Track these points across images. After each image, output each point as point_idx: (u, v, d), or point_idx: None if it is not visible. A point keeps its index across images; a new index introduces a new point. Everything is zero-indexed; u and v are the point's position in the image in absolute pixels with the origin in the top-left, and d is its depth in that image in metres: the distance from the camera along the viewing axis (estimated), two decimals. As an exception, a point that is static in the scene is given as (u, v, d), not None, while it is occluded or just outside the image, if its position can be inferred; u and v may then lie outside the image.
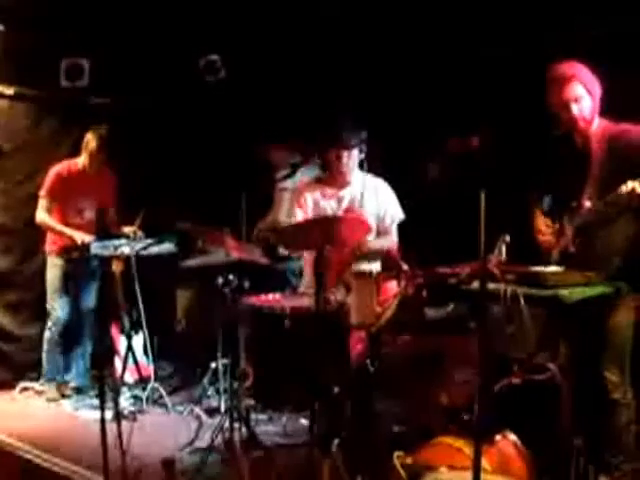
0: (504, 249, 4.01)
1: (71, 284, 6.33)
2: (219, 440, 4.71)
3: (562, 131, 4.01)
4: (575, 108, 3.90)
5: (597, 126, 3.97)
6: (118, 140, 6.27)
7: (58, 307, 6.31)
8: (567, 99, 3.91)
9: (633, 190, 3.51)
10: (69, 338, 6.40)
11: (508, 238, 4.02)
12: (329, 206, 5.15)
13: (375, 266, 4.82)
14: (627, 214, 3.78)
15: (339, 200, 5.15)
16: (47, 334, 6.37)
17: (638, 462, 3.95)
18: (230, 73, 6.89)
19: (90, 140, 6.20)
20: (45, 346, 6.38)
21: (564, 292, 3.61)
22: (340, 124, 5.06)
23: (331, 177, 5.19)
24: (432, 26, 5.67)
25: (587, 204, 3.86)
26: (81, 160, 6.31)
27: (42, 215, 6.24)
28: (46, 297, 6.40)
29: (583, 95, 3.90)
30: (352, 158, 5.06)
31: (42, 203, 6.24)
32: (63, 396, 6.27)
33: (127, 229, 6.27)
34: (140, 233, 6.20)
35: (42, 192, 6.24)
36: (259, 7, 6.36)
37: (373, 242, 5.08)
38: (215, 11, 6.48)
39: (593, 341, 3.85)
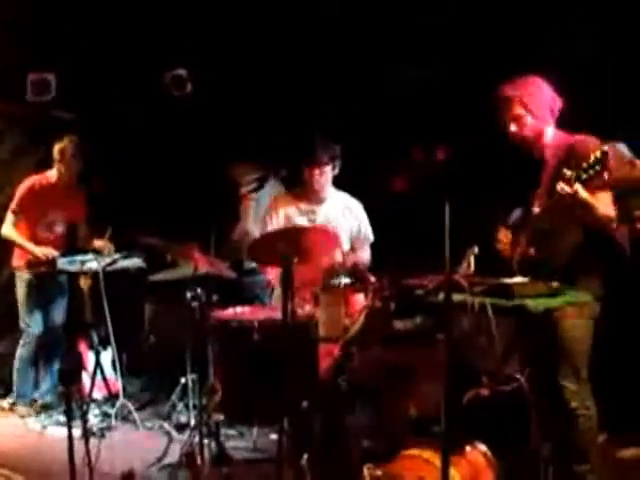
0: (472, 261, 4.04)
1: (42, 299, 6.28)
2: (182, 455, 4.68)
3: (514, 144, 4.13)
4: (513, 126, 4.06)
5: (551, 137, 4.09)
6: (85, 154, 6.23)
7: (32, 323, 6.25)
8: (506, 118, 4.08)
9: (561, 189, 3.62)
10: (39, 354, 6.34)
11: (476, 250, 4.06)
12: (302, 222, 5.15)
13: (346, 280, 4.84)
14: (571, 219, 3.85)
15: (314, 215, 5.16)
16: (20, 351, 6.29)
17: (602, 469, 4.00)
18: (197, 88, 6.87)
19: (65, 148, 6.17)
20: (17, 363, 6.30)
21: (530, 302, 3.63)
22: (313, 141, 5.06)
23: (305, 193, 5.20)
24: (393, 40, 5.73)
25: (535, 211, 3.96)
26: (54, 172, 6.27)
27: (8, 229, 6.18)
28: (13, 313, 6.33)
29: (522, 114, 4.03)
30: (325, 175, 5.08)
31: (10, 217, 6.18)
32: (41, 408, 6.20)
33: (98, 243, 6.24)
34: (111, 247, 6.17)
35: (13, 205, 6.18)
36: (226, 22, 6.38)
37: (350, 256, 5.08)
38: (182, 25, 6.48)
39: (550, 350, 3.89)
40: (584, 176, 3.53)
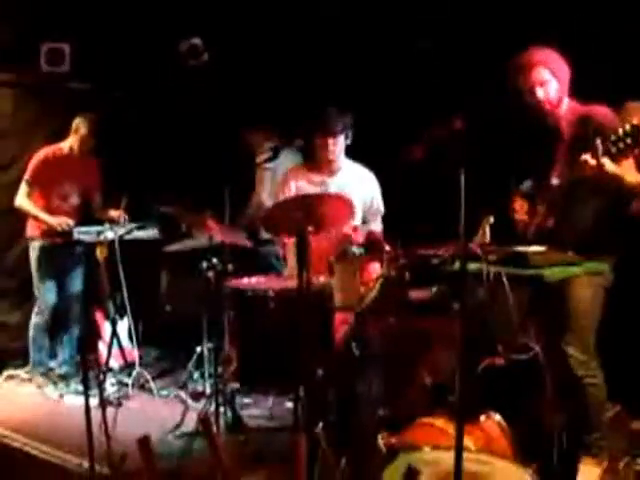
0: (488, 230, 4.03)
1: (56, 268, 6.31)
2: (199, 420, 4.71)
3: (531, 114, 4.09)
4: (540, 92, 3.99)
5: (566, 107, 4.06)
6: (100, 124, 6.23)
7: (45, 291, 6.28)
8: (532, 84, 4.00)
9: (585, 162, 3.58)
10: (56, 324, 6.39)
11: (492, 219, 4.04)
12: (314, 192, 5.12)
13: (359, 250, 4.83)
14: (593, 191, 3.83)
15: (325, 187, 5.13)
16: (35, 319, 6.33)
17: (612, 438, 4.01)
18: (213, 57, 6.85)
19: (80, 126, 6.17)
20: (31, 332, 6.34)
21: (547, 271, 3.62)
22: (325, 111, 5.02)
23: (318, 164, 5.17)
24: (411, 15, 5.67)
25: (555, 182, 3.92)
26: (67, 144, 6.27)
27: (21, 199, 6.18)
28: (29, 284, 6.38)
29: (549, 79, 3.99)
30: (338, 145, 5.03)
31: (23, 187, 6.18)
32: (58, 377, 6.24)
33: (113, 213, 6.26)
34: (126, 217, 6.19)
35: (27, 176, 6.18)
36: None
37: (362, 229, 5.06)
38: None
39: (562, 319, 3.90)
40: (613, 149, 3.46)
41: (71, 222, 6.10)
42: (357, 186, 5.12)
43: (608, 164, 3.54)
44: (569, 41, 4.15)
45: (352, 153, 5.22)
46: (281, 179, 5.40)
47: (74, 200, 6.35)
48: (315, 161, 5.18)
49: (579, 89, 4.09)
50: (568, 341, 3.89)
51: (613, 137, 3.45)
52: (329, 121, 4.97)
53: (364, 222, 5.15)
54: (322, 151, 5.05)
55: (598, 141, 3.53)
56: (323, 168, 5.15)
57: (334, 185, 5.11)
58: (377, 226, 5.23)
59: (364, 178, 5.19)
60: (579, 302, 3.87)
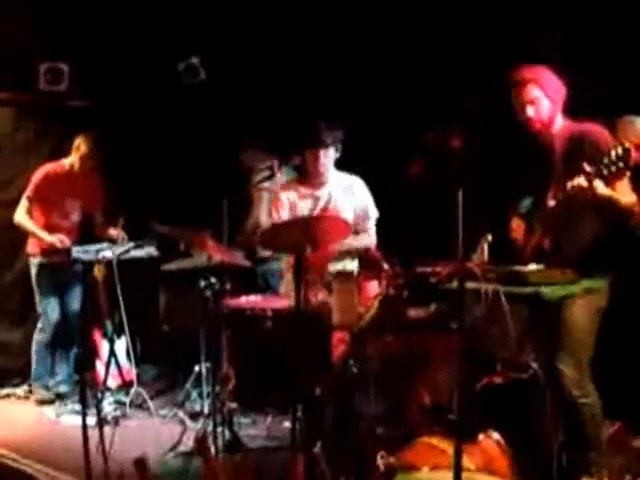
0: (486, 249, 4.03)
1: (55, 286, 6.31)
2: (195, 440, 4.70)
3: (524, 132, 4.08)
4: (530, 110, 3.99)
5: (560, 126, 4.05)
6: (99, 143, 6.24)
7: (48, 309, 6.28)
8: (523, 101, 3.99)
9: (578, 185, 3.58)
10: (55, 342, 6.37)
11: (490, 237, 4.04)
12: (305, 206, 5.13)
13: (353, 265, 4.81)
14: (589, 211, 3.82)
15: (315, 199, 5.13)
16: (38, 336, 6.33)
17: (612, 456, 3.98)
18: (210, 76, 6.87)
19: (82, 144, 6.18)
20: (35, 347, 6.34)
21: (545, 289, 3.62)
22: (317, 124, 5.03)
23: (307, 177, 5.18)
24: (407, 23, 5.71)
25: (550, 203, 3.89)
26: (68, 162, 6.28)
27: (21, 215, 6.19)
28: (29, 302, 6.39)
29: (540, 97, 3.97)
30: (328, 157, 5.04)
31: (24, 203, 6.19)
32: (56, 396, 6.23)
33: (112, 231, 6.26)
34: (124, 235, 6.20)
35: (28, 192, 6.19)
36: (236, 10, 6.36)
37: (352, 241, 5.05)
38: (194, 14, 6.47)
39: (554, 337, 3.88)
40: (605, 172, 3.47)
41: (67, 241, 6.10)
42: (347, 196, 5.13)
43: (601, 187, 3.55)
44: (568, 56, 4.17)
45: (345, 165, 5.22)
46: (273, 195, 5.42)
47: (75, 217, 6.36)
48: (305, 174, 5.20)
49: (576, 105, 4.09)
50: (562, 360, 3.85)
51: (605, 160, 3.46)
52: (319, 134, 4.97)
53: (356, 232, 5.12)
54: (312, 163, 5.06)
55: (586, 166, 3.54)
56: (313, 180, 5.16)
57: (324, 196, 5.12)
58: (371, 234, 5.21)
59: (353, 186, 5.19)
60: (574, 321, 3.84)
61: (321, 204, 5.11)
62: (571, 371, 3.84)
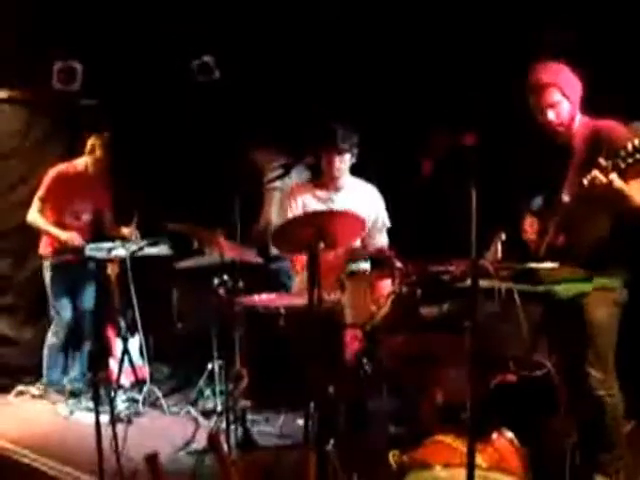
0: (500, 247, 4.01)
1: (68, 286, 6.33)
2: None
3: (543, 133, 4.05)
4: (551, 114, 3.94)
5: (579, 124, 4.00)
6: (115, 148, 6.25)
7: (61, 309, 6.30)
8: (543, 105, 3.95)
9: (595, 178, 3.55)
10: (68, 341, 6.39)
11: (504, 236, 4.03)
12: (320, 208, 5.12)
13: (366, 264, 4.80)
14: (604, 208, 3.80)
15: (331, 203, 5.13)
16: (51, 340, 6.35)
17: (630, 456, 3.96)
18: (223, 74, 6.87)
19: (95, 146, 6.18)
20: (47, 351, 6.37)
21: (559, 288, 3.61)
22: (333, 129, 5.03)
23: (323, 180, 5.18)
24: (418, 26, 5.70)
25: (566, 199, 3.87)
26: (82, 162, 6.28)
27: (33, 215, 6.20)
28: (41, 301, 6.41)
29: (560, 100, 3.93)
30: (344, 162, 5.04)
31: (36, 203, 6.20)
32: (70, 394, 6.24)
33: (125, 230, 6.28)
34: (137, 234, 6.21)
35: (40, 192, 6.20)
36: (252, 9, 6.36)
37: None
38: (207, 11, 6.47)
39: (577, 337, 3.86)
40: (622, 165, 3.45)
41: (80, 239, 6.12)
42: (362, 202, 5.12)
43: (617, 180, 3.52)
44: (583, 54, 4.12)
45: (359, 170, 5.22)
46: (287, 194, 5.41)
47: (86, 217, 6.37)
48: (321, 177, 5.20)
49: (593, 101, 4.05)
50: (587, 360, 3.83)
51: (622, 153, 3.44)
52: (336, 139, 4.98)
53: (370, 236, 5.14)
54: (328, 168, 5.07)
55: (602, 160, 3.52)
56: (328, 184, 5.16)
57: (339, 201, 5.11)
58: (383, 240, 5.21)
59: (368, 194, 5.20)
60: (595, 321, 3.82)
61: (336, 208, 5.08)
62: (598, 372, 3.83)
